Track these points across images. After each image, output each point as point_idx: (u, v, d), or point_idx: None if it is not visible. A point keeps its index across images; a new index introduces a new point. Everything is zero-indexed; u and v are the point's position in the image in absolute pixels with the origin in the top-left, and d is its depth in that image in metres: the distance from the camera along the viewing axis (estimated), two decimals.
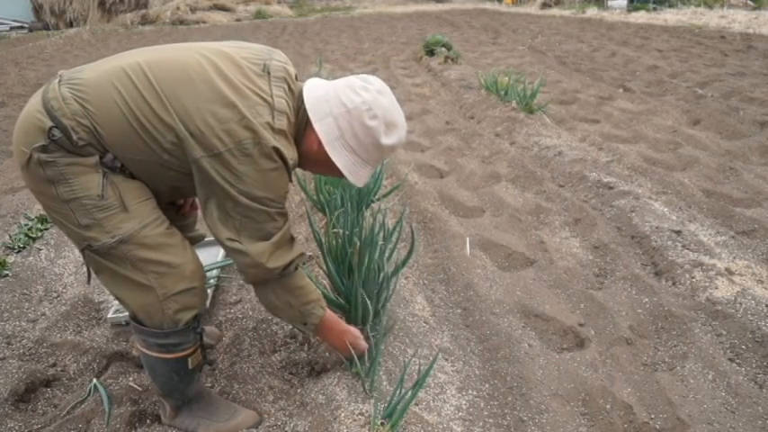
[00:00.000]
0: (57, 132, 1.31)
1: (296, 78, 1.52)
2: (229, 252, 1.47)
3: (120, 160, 1.39)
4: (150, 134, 1.34)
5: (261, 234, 1.44)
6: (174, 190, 1.54)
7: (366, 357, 1.75)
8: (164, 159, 1.38)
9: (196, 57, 1.39)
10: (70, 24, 16.51)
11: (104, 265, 1.43)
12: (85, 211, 1.37)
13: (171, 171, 1.42)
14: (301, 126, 1.49)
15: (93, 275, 1.51)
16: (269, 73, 1.43)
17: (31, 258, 2.78)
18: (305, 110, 1.46)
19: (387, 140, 1.46)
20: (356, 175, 1.49)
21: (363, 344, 1.77)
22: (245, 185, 1.36)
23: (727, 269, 2.37)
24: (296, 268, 1.54)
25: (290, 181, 1.49)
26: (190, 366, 1.59)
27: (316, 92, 1.46)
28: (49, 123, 1.31)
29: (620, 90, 5.84)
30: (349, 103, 1.42)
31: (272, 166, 1.37)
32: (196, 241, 1.78)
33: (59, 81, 1.36)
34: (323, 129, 1.44)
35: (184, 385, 1.64)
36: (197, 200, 1.83)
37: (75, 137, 1.31)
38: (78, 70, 1.41)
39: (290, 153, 1.42)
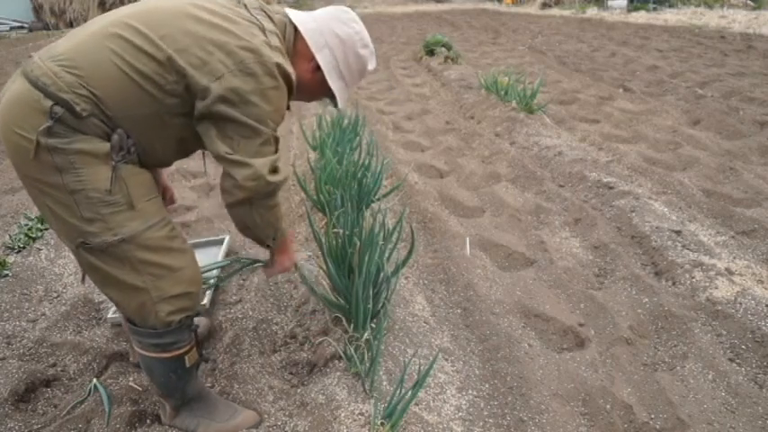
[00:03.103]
0: (58, 110, 1.28)
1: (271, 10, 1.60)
2: (228, 165, 1.44)
3: (125, 123, 1.36)
4: (150, 79, 1.34)
5: (258, 155, 1.46)
6: (181, 144, 1.52)
7: (366, 357, 1.75)
8: (167, 104, 1.38)
9: (177, 3, 1.43)
10: (70, 24, 16.49)
11: (97, 265, 1.40)
12: (90, 204, 1.34)
13: (176, 117, 1.41)
14: (288, 52, 1.55)
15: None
16: (245, 5, 1.50)
17: (31, 258, 2.78)
18: (289, 37, 1.57)
19: (371, 66, 1.68)
20: (343, 99, 1.67)
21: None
22: (248, 105, 1.39)
23: (727, 269, 2.37)
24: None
25: (289, 105, 1.57)
26: (187, 365, 1.59)
27: (309, 24, 1.59)
28: (49, 102, 1.27)
29: (620, 90, 5.84)
30: (343, 34, 1.59)
31: (273, 84, 1.42)
32: None
33: (39, 59, 1.32)
34: (323, 59, 1.57)
35: (183, 384, 1.64)
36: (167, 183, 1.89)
37: (77, 108, 1.28)
38: (53, 46, 1.38)
39: (290, 68, 1.48)
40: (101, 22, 1.40)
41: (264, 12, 1.53)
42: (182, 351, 1.55)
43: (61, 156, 1.30)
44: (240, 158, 1.43)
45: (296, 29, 1.58)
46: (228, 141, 1.42)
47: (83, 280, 1.53)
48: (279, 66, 1.42)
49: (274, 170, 1.52)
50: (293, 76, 1.48)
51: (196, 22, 1.38)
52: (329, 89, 1.62)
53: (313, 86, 1.61)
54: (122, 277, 1.40)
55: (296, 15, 1.60)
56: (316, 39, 1.56)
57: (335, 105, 1.69)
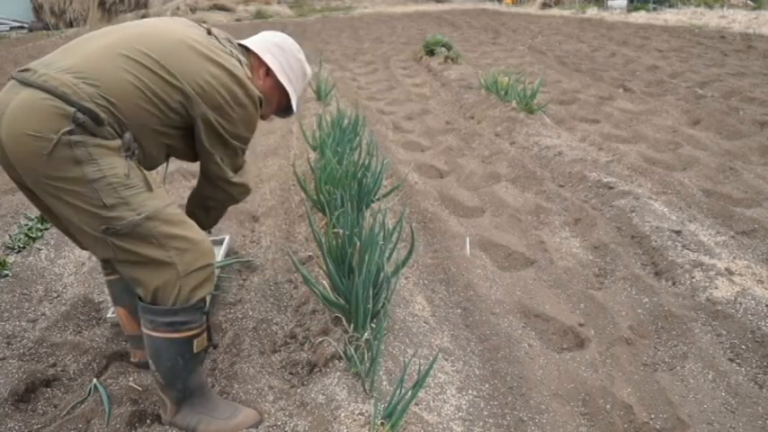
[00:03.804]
0: (80, 116, 1.38)
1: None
2: (229, 187, 1.83)
3: (134, 129, 1.50)
4: (160, 97, 1.51)
5: (236, 167, 1.83)
6: (169, 150, 1.70)
7: (366, 357, 1.75)
8: (170, 118, 1.56)
9: (173, 32, 1.61)
10: (70, 24, 16.51)
11: (123, 247, 1.47)
12: (112, 189, 1.42)
13: (174, 129, 1.60)
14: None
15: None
16: (215, 36, 1.71)
17: (31, 258, 2.78)
18: (246, 58, 1.78)
19: (309, 70, 1.95)
20: (295, 100, 1.89)
21: None
22: (236, 129, 1.68)
23: (727, 269, 2.37)
24: None
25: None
26: (195, 350, 1.61)
27: (252, 41, 1.85)
28: (71, 109, 1.37)
29: (620, 90, 5.84)
30: (281, 43, 1.87)
31: (255, 111, 1.71)
32: None
33: (48, 71, 1.41)
34: (271, 60, 1.81)
35: (188, 372, 1.64)
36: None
37: (101, 116, 1.41)
38: (55, 60, 1.47)
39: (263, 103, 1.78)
40: (105, 41, 1.54)
41: (229, 41, 1.76)
42: (192, 333, 1.59)
43: (81, 148, 1.39)
44: (240, 181, 1.83)
45: (246, 49, 1.83)
46: (223, 163, 1.74)
47: (104, 262, 1.70)
48: (259, 98, 1.70)
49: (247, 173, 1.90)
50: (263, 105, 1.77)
51: (194, 52, 1.57)
52: (283, 93, 1.86)
53: (267, 91, 1.82)
54: (149, 254, 1.48)
55: (244, 41, 1.86)
56: (261, 47, 1.82)
57: (291, 113, 1.95)
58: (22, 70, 1.45)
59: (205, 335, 1.65)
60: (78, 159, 1.39)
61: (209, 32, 1.71)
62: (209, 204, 1.96)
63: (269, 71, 1.82)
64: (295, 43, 1.92)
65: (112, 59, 1.47)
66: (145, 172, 1.54)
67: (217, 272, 2.49)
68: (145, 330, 1.60)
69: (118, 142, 1.46)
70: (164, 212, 1.50)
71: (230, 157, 1.75)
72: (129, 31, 1.59)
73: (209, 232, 2.20)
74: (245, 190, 1.91)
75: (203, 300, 1.60)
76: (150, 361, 1.65)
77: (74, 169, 1.40)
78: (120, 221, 1.44)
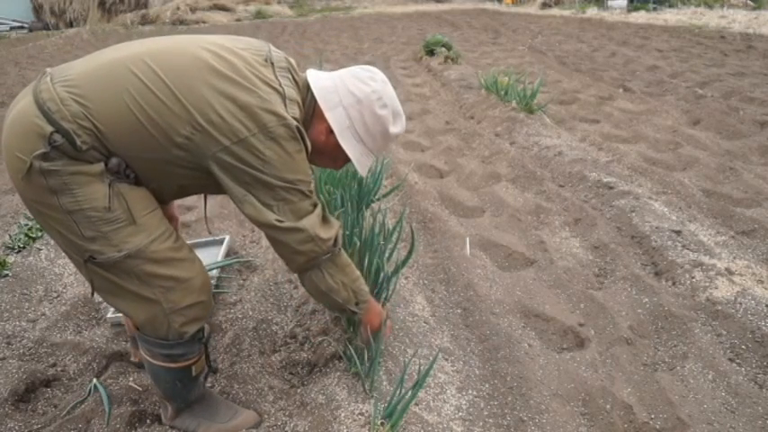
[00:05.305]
0: (58, 138, 1.24)
1: (297, 69, 1.52)
2: (279, 234, 1.41)
3: (125, 159, 1.33)
4: (161, 129, 1.29)
5: (302, 213, 1.42)
6: (181, 189, 1.50)
7: (366, 357, 1.75)
8: (172, 155, 1.32)
9: (198, 49, 1.36)
10: (70, 24, 16.52)
11: (107, 278, 1.38)
12: (90, 223, 1.31)
13: (179, 168, 1.36)
14: (308, 116, 1.49)
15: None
16: (272, 63, 1.42)
17: (31, 258, 2.78)
18: (310, 100, 1.48)
19: (394, 129, 1.52)
20: (363, 164, 1.53)
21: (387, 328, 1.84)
22: (275, 169, 1.34)
23: (727, 269, 2.37)
24: (341, 244, 1.55)
25: None
26: (193, 374, 1.59)
27: (323, 82, 1.48)
28: (49, 128, 1.24)
29: (620, 90, 5.84)
30: (359, 92, 1.46)
31: (296, 147, 1.37)
32: None
33: (51, 80, 1.29)
34: (334, 118, 1.46)
35: (187, 391, 1.64)
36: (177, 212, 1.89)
37: (78, 141, 1.25)
38: (69, 67, 1.35)
39: (307, 138, 1.43)
40: (119, 54, 1.36)
41: (291, 72, 1.46)
42: (190, 362, 1.55)
43: (55, 178, 1.27)
44: (289, 225, 1.40)
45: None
46: (270, 209, 1.38)
47: (92, 293, 1.48)
48: (299, 129, 1.37)
49: (325, 221, 1.48)
50: (309, 145, 1.43)
51: (218, 76, 1.31)
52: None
53: (329, 150, 1.51)
54: (133, 289, 1.39)
55: (313, 75, 1.50)
56: (328, 97, 1.46)
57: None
58: (43, 73, 1.34)
59: (204, 359, 1.61)
60: (53, 189, 1.27)
61: (268, 59, 1.42)
62: (290, 268, 1.57)
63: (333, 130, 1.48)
64: (380, 90, 1.48)
65: (117, 75, 1.29)
66: (132, 197, 1.36)
67: (217, 272, 2.51)
68: (142, 353, 1.56)
69: (100, 167, 1.29)
70: (147, 250, 1.35)
71: (280, 201, 1.38)
72: (151, 47, 1.37)
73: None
74: (305, 237, 1.42)
75: (201, 330, 1.52)
76: (149, 377, 1.64)
77: (51, 198, 1.29)
78: (101, 255, 1.33)
